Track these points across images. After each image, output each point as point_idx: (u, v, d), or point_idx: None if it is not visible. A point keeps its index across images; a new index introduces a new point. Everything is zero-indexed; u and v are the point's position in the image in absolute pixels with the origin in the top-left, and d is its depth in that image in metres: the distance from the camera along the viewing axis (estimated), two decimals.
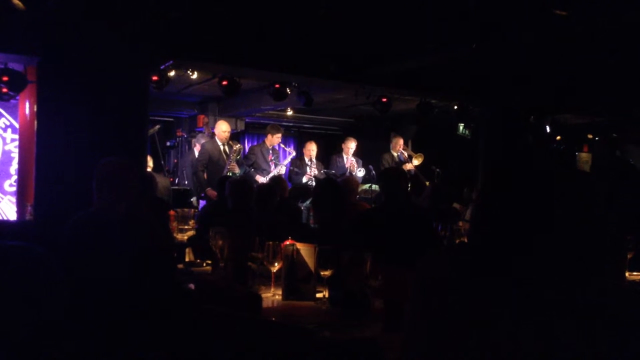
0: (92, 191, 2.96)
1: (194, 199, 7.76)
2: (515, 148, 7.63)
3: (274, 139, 8.15)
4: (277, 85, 6.89)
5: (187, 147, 9.30)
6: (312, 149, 8.56)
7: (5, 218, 6.96)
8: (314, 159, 8.56)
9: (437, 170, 9.16)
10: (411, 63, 6.51)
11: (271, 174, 7.90)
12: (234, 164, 7.68)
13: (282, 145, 8.52)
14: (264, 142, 8.34)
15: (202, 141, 8.27)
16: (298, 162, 8.59)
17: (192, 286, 3.15)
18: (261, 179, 7.77)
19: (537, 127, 8.62)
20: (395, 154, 9.18)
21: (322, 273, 2.68)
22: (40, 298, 1.54)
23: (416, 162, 9.22)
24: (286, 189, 6.16)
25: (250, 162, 8.12)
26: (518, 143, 7.80)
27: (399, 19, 5.28)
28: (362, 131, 10.44)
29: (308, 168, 8.44)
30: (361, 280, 2.60)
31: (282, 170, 8.16)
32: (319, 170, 8.44)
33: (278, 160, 8.24)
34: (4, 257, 1.51)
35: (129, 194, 2.99)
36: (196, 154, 8.25)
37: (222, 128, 7.84)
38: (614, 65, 6.49)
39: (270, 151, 8.16)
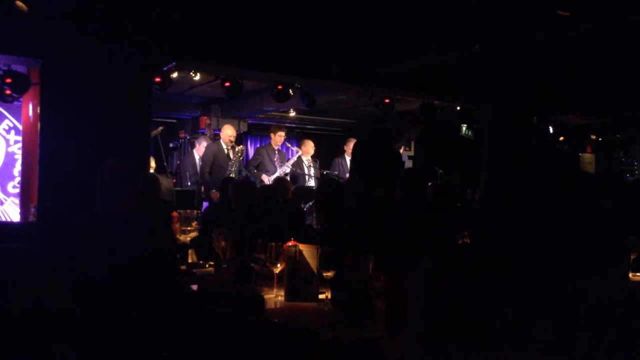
0: (96, 192, 2.97)
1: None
2: (518, 149, 7.62)
3: (277, 138, 8.17)
4: (279, 87, 6.90)
5: (189, 148, 9.32)
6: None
7: (8, 220, 6.98)
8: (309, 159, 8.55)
9: (440, 171, 9.15)
10: (414, 64, 6.51)
11: (275, 174, 7.91)
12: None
13: (287, 144, 8.52)
14: (269, 143, 8.36)
15: (204, 143, 8.28)
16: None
17: (195, 287, 3.15)
18: (266, 180, 7.79)
19: (540, 127, 8.61)
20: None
21: (324, 274, 2.68)
22: (41, 299, 1.55)
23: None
24: (289, 190, 6.16)
25: (256, 163, 8.14)
26: (521, 144, 7.79)
27: (401, 20, 5.28)
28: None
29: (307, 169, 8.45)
30: (364, 281, 2.60)
31: (286, 170, 8.16)
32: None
33: (284, 161, 8.25)
34: (5, 259, 1.52)
35: (132, 195, 2.99)
36: (195, 155, 8.26)
37: (228, 132, 7.86)
38: (617, 65, 6.48)
39: (276, 152, 8.17)
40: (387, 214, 3.89)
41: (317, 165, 8.77)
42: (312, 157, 8.65)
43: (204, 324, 2.41)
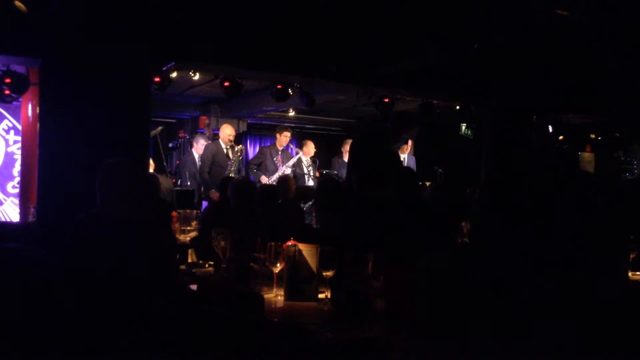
0: (95, 192, 2.97)
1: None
2: (517, 148, 7.62)
3: (282, 139, 8.15)
4: (279, 86, 6.90)
5: (189, 148, 9.32)
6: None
7: (8, 220, 6.97)
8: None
9: (439, 170, 9.15)
10: (413, 63, 6.51)
11: (275, 175, 7.91)
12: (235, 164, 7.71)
13: (290, 146, 8.49)
14: (274, 143, 8.34)
15: (202, 142, 8.27)
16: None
17: (194, 287, 3.15)
18: (265, 180, 7.78)
19: (539, 127, 8.61)
20: (402, 156, 9.11)
21: (324, 274, 2.68)
22: (40, 299, 1.55)
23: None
24: (292, 189, 6.12)
25: (257, 162, 8.13)
26: (520, 143, 7.80)
27: (400, 20, 5.28)
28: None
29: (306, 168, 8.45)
30: (363, 280, 2.60)
31: (287, 171, 8.15)
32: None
33: (287, 162, 8.23)
34: (4, 259, 1.52)
35: (132, 195, 2.99)
36: (195, 154, 8.25)
37: (227, 132, 7.86)
38: (616, 64, 6.48)
39: (280, 152, 8.15)
40: (383, 214, 3.90)
41: (316, 165, 8.78)
42: (311, 157, 8.65)
43: (204, 324, 2.41)
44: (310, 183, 8.31)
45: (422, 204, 4.24)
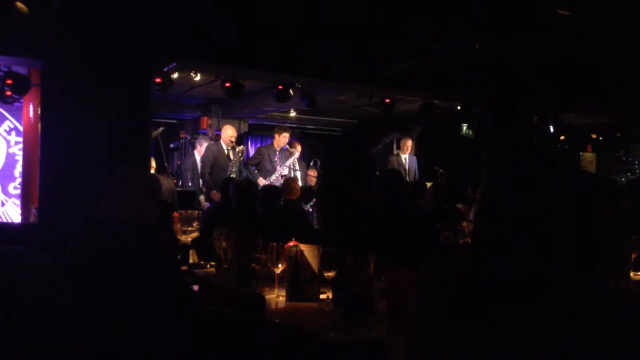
0: (98, 193, 2.97)
1: (201, 198, 7.76)
2: (518, 148, 7.62)
3: (280, 139, 8.11)
4: (280, 87, 6.90)
5: (190, 149, 9.32)
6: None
7: (9, 221, 6.98)
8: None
9: (441, 170, 9.16)
10: (414, 64, 6.51)
11: (273, 176, 7.90)
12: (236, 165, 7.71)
13: (287, 146, 8.47)
14: (271, 143, 8.31)
15: (204, 143, 8.27)
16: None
17: (196, 288, 3.15)
18: (263, 181, 7.77)
19: (540, 127, 8.61)
20: (403, 156, 9.12)
21: (325, 274, 2.68)
22: (43, 301, 1.55)
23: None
24: (297, 190, 6.08)
25: (255, 162, 8.11)
26: (521, 143, 7.79)
27: (401, 20, 5.28)
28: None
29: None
30: (365, 281, 2.60)
31: (284, 171, 8.14)
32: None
33: (284, 162, 8.21)
34: (7, 261, 1.52)
35: (137, 199, 3.00)
36: (197, 156, 8.24)
37: (229, 133, 7.84)
38: (618, 64, 6.48)
39: (278, 153, 8.13)
40: (371, 215, 3.90)
41: (317, 165, 8.78)
42: (297, 157, 8.60)
43: (205, 325, 2.41)
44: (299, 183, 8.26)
45: (412, 205, 4.24)
